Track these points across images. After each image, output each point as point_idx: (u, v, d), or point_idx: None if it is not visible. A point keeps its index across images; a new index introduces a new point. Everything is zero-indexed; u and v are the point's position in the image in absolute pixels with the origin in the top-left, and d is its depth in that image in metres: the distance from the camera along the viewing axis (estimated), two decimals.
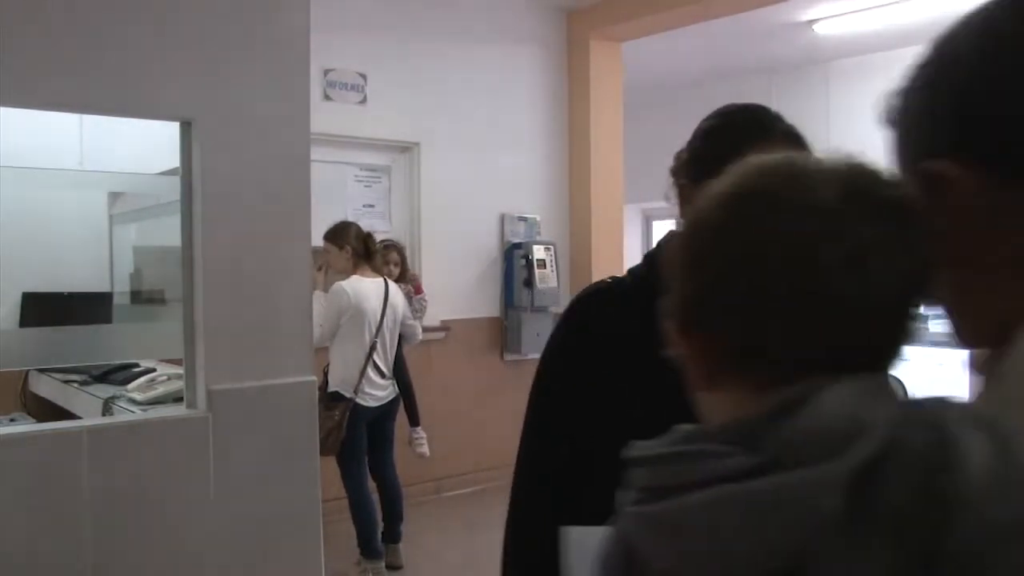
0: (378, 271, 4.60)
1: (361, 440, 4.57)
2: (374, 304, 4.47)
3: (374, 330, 4.46)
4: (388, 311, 4.52)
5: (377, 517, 4.60)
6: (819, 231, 0.65)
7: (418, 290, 5.06)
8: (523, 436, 1.52)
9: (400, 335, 4.76)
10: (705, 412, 0.72)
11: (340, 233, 4.57)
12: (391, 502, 4.81)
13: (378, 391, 4.53)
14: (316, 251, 3.44)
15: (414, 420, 4.86)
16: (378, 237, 4.98)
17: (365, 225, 4.93)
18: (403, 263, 5.20)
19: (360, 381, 4.43)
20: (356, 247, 4.53)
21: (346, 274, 4.55)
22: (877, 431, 0.59)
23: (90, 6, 2.83)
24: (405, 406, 4.76)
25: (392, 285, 4.64)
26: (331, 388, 4.45)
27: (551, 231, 6.95)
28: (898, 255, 0.66)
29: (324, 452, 4.40)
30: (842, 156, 0.73)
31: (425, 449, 4.91)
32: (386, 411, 4.65)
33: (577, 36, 7.06)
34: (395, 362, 4.66)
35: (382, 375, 4.53)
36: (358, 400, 4.43)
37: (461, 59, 6.44)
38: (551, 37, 7.02)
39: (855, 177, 0.70)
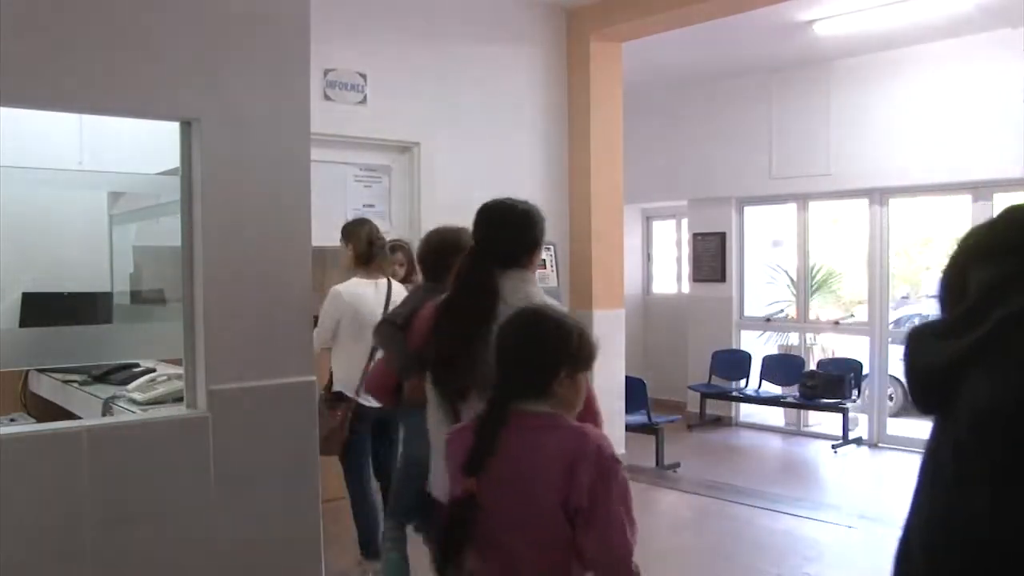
0: (383, 272, 4.58)
1: (365, 441, 4.55)
2: (372, 305, 4.44)
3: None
4: (390, 310, 4.49)
5: (379, 517, 4.59)
6: None
7: None
8: None
9: None
10: None
11: (348, 231, 4.58)
12: None
13: None
14: (316, 251, 3.43)
15: None
16: (386, 227, 4.96)
17: None
18: (409, 263, 5.18)
19: (362, 382, 4.42)
20: (359, 248, 4.51)
21: (349, 272, 4.56)
22: None
23: (90, 8, 2.83)
24: None
25: (396, 285, 4.61)
26: (335, 388, 4.46)
27: (551, 231, 6.85)
28: None
29: (326, 452, 4.39)
30: None
31: None
32: (392, 413, 4.62)
33: (577, 36, 7.06)
34: None
35: None
36: (360, 400, 4.42)
37: (461, 59, 6.44)
38: (551, 37, 7.02)
39: None
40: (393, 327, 3.25)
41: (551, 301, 2.58)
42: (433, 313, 2.72)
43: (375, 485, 4.72)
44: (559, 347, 2.05)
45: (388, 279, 4.56)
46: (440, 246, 3.30)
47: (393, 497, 3.86)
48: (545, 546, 1.97)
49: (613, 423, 7.12)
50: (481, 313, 2.49)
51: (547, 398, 2.02)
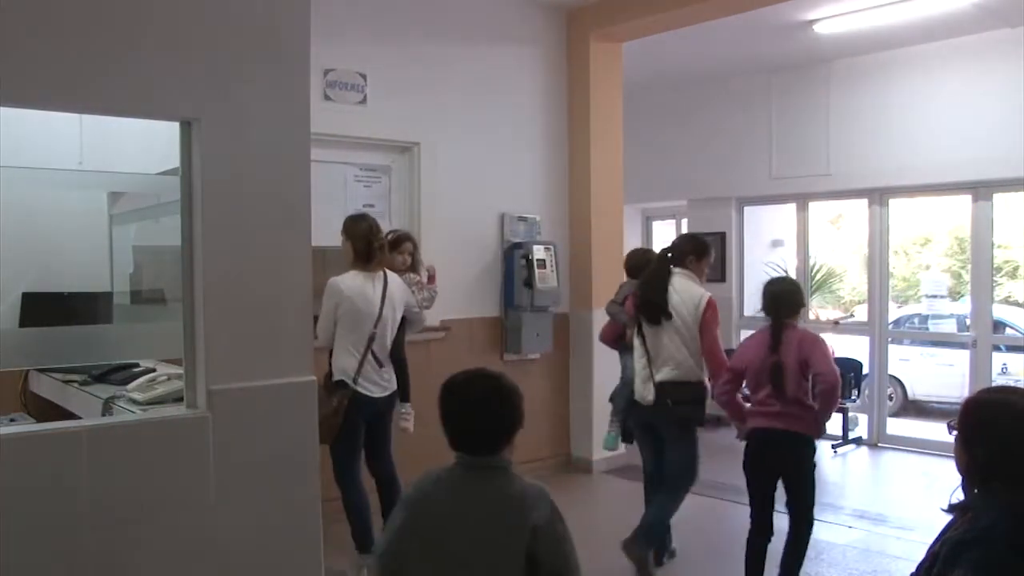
0: (382, 267, 4.58)
1: (358, 433, 4.56)
2: (370, 296, 4.49)
3: (373, 321, 4.48)
4: (387, 302, 4.53)
5: (370, 515, 4.59)
6: None
7: (432, 279, 5.05)
8: None
9: (406, 320, 4.79)
10: None
11: (349, 226, 4.59)
12: (391, 497, 4.80)
13: (379, 380, 4.54)
14: (316, 251, 3.43)
15: (404, 396, 4.84)
16: (387, 227, 5.00)
17: None
18: (415, 253, 5.20)
19: (359, 370, 4.45)
20: (358, 247, 4.53)
21: (348, 264, 4.58)
22: None
23: (90, 7, 2.83)
24: (398, 383, 4.75)
25: (392, 277, 4.64)
26: (335, 377, 4.48)
27: (551, 231, 6.95)
28: None
29: (321, 440, 4.38)
30: None
31: (410, 425, 4.85)
32: (386, 405, 4.66)
33: (577, 36, 7.06)
34: (393, 343, 4.67)
35: (380, 365, 4.54)
36: (358, 388, 4.44)
37: (461, 59, 6.44)
38: (551, 37, 7.02)
39: None
40: (616, 304, 5.27)
41: (700, 287, 4.68)
42: (635, 294, 4.78)
43: (371, 484, 4.75)
44: (792, 297, 4.22)
45: (385, 274, 4.59)
46: (642, 260, 5.20)
47: (614, 400, 5.52)
48: (797, 378, 4.07)
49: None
50: (661, 290, 4.60)
51: (792, 318, 4.17)
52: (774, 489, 4.30)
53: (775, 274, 9.34)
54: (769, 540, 4.28)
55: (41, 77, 2.75)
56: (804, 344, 4.08)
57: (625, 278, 5.41)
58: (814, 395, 4.07)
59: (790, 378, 4.07)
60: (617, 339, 5.24)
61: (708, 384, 4.72)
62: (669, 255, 4.72)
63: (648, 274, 4.74)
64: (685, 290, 4.58)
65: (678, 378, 4.57)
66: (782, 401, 4.11)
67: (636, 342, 4.70)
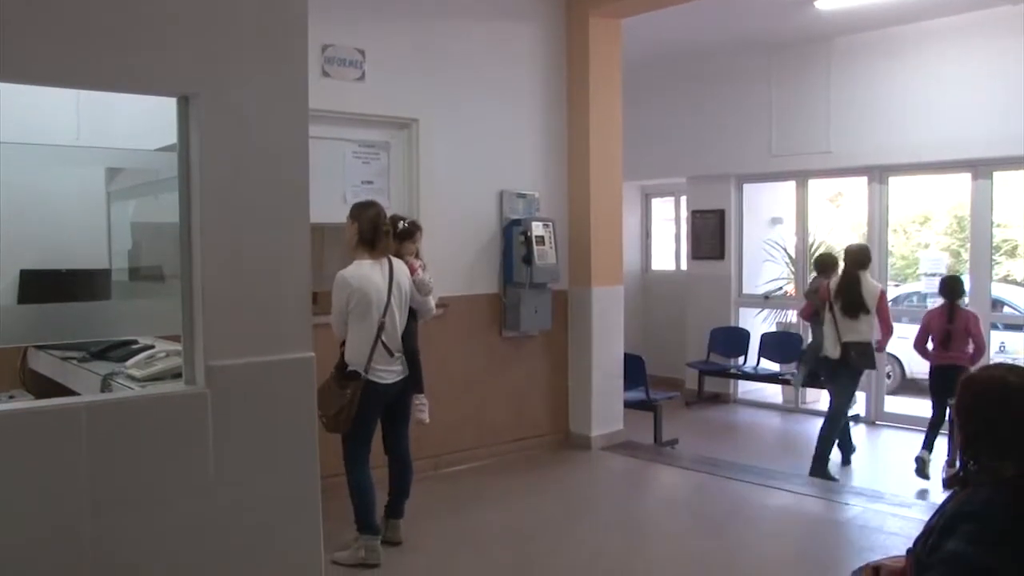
0: (386, 253, 4.55)
1: (371, 421, 4.58)
2: (379, 285, 4.46)
3: (382, 309, 4.46)
4: (394, 288, 4.52)
5: (374, 497, 4.62)
6: None
7: (412, 270, 5.02)
8: None
9: (414, 310, 4.81)
10: None
11: (357, 209, 4.56)
12: (401, 478, 4.84)
13: (391, 366, 4.54)
14: (314, 228, 3.42)
15: (417, 387, 4.88)
16: (385, 204, 4.99)
17: None
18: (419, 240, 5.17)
19: (370, 360, 4.44)
20: (364, 231, 4.49)
21: (353, 252, 4.53)
22: None
23: None
24: (411, 373, 4.77)
25: (397, 262, 4.61)
26: (349, 368, 4.48)
27: (550, 208, 6.94)
28: None
29: (334, 429, 4.42)
30: None
31: (425, 416, 4.93)
32: (404, 388, 4.68)
33: (576, 12, 7.01)
34: (405, 332, 4.67)
35: (391, 353, 4.52)
36: (371, 377, 4.45)
37: (460, 35, 6.40)
38: (550, 13, 6.98)
39: None
40: (812, 291, 7.32)
41: (874, 281, 6.82)
42: (827, 286, 6.81)
43: (383, 459, 4.78)
44: (961, 287, 6.80)
45: (390, 259, 4.56)
46: (829, 260, 7.41)
47: (805, 357, 7.80)
48: (962, 336, 6.63)
49: (612, 400, 7.15)
50: (855, 283, 6.58)
51: (960, 300, 6.73)
52: (947, 400, 6.33)
53: (774, 252, 9.45)
54: (938, 429, 6.61)
55: (38, 53, 2.73)
56: (968, 319, 6.62)
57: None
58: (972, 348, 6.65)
59: (956, 338, 6.61)
60: (813, 315, 7.33)
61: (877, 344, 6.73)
62: (855, 265, 6.71)
63: (846, 279, 6.67)
64: (867, 284, 6.62)
65: (858, 339, 6.57)
66: (947, 349, 6.67)
67: (828, 316, 6.71)
